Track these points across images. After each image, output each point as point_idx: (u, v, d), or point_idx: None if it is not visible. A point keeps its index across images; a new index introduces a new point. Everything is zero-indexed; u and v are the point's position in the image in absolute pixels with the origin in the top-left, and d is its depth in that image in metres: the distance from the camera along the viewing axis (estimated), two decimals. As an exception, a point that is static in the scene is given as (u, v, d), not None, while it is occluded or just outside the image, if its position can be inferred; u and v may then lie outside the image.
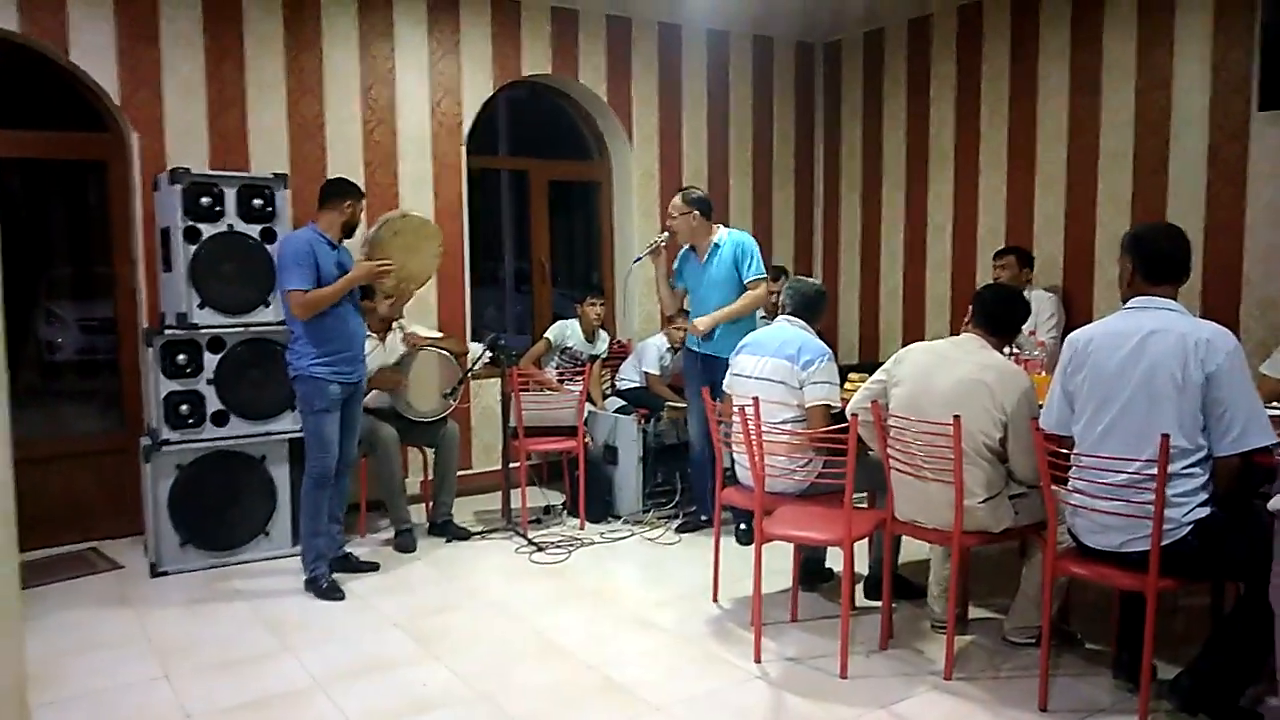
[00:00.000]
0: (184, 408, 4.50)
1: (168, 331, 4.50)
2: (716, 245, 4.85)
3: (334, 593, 4.21)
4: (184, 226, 4.45)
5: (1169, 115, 5.24)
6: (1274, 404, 3.61)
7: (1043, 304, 5.43)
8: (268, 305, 4.65)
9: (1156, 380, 2.81)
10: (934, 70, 6.43)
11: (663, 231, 4.97)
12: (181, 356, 4.50)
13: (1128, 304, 3.01)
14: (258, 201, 4.61)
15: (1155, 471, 2.74)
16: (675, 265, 5.03)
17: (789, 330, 4.02)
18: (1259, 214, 4.93)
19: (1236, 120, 4.97)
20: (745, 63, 6.90)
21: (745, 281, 4.82)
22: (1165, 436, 2.72)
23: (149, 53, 4.91)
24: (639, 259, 4.99)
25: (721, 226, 4.97)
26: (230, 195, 4.56)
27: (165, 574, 4.52)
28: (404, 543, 4.87)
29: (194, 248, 4.48)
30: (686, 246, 4.95)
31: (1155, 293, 2.95)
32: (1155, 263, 2.97)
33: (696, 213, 4.81)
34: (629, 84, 6.41)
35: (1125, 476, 2.83)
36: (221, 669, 3.51)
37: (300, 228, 4.33)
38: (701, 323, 4.78)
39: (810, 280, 4.23)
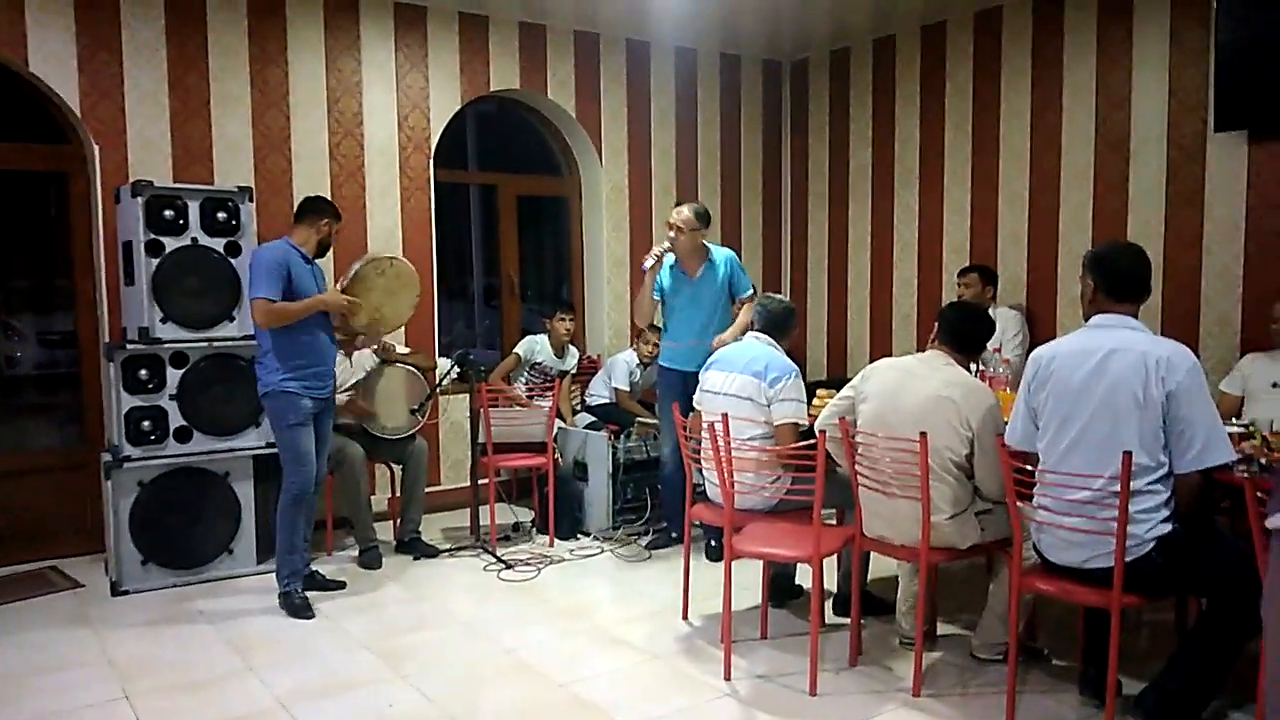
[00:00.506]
0: (146, 424, 4.43)
1: (129, 346, 4.43)
2: (711, 262, 4.84)
3: (306, 610, 4.15)
4: (146, 240, 4.39)
5: (1128, 135, 5.34)
6: (1233, 420, 3.69)
7: (1007, 321, 5.50)
8: (232, 320, 4.59)
9: (1118, 398, 2.85)
10: (899, 90, 6.51)
11: (664, 242, 4.80)
12: (144, 372, 4.44)
13: (1090, 322, 3.05)
14: (222, 215, 4.56)
15: (1118, 488, 2.78)
16: (658, 277, 4.89)
17: (757, 347, 4.03)
18: (1216, 232, 5.03)
19: (1194, 140, 5.08)
20: (713, 80, 6.94)
21: (741, 298, 4.85)
22: (1128, 454, 2.76)
23: (110, 63, 4.85)
24: (646, 268, 4.75)
25: (709, 244, 4.92)
26: (194, 208, 4.50)
27: (126, 593, 4.44)
28: (369, 560, 4.82)
29: (156, 261, 4.42)
30: (673, 260, 4.87)
31: (1117, 310, 3.00)
32: (1117, 281, 3.01)
33: (703, 229, 4.79)
34: (598, 99, 6.43)
35: (1089, 493, 2.87)
36: (183, 690, 3.45)
37: (273, 240, 4.29)
38: (726, 337, 4.64)
39: (779, 298, 4.24)
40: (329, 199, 4.47)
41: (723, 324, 4.82)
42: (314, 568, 4.54)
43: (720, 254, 4.89)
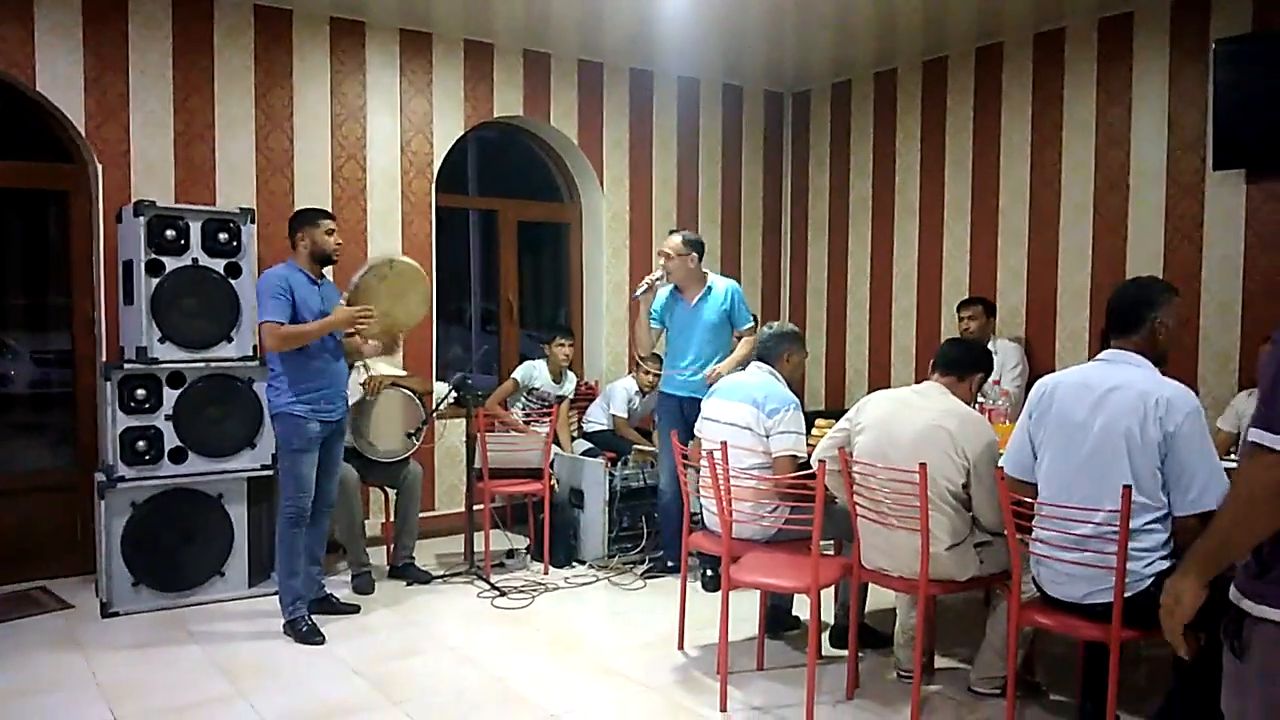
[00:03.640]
0: (141, 444, 4.41)
1: (126, 366, 4.42)
2: (709, 290, 4.85)
3: (314, 636, 4.10)
4: (147, 259, 4.40)
5: (1127, 172, 5.37)
6: (1230, 455, 3.69)
7: (1007, 353, 5.51)
8: (230, 341, 4.59)
9: (1114, 436, 2.83)
10: (900, 123, 6.55)
11: (655, 270, 4.85)
12: (140, 391, 4.42)
13: (1098, 356, 3.06)
14: (223, 236, 4.57)
15: (1116, 524, 2.76)
16: (656, 305, 4.93)
17: (757, 376, 4.03)
18: (1214, 269, 5.05)
19: (1192, 178, 5.11)
20: (715, 110, 6.99)
21: (740, 330, 4.85)
22: (1128, 488, 2.74)
23: (117, 84, 4.87)
24: (637, 295, 4.84)
25: (711, 273, 4.94)
26: (195, 229, 4.51)
27: (117, 614, 4.40)
28: (362, 585, 4.78)
29: (156, 281, 4.42)
30: (672, 288, 4.89)
31: (1117, 344, 3.00)
32: (1109, 315, 3.04)
33: (694, 255, 4.80)
34: (600, 127, 6.46)
35: (1089, 527, 2.85)
36: (171, 713, 3.41)
37: (276, 265, 4.28)
38: (723, 368, 4.64)
39: (774, 324, 4.26)
40: (303, 209, 4.42)
41: (721, 354, 4.82)
42: (328, 591, 4.50)
43: (721, 284, 4.90)
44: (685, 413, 4.75)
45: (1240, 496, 1.66)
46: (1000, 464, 3.16)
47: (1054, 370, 5.56)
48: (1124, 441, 2.81)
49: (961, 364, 3.58)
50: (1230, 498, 1.74)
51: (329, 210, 4.41)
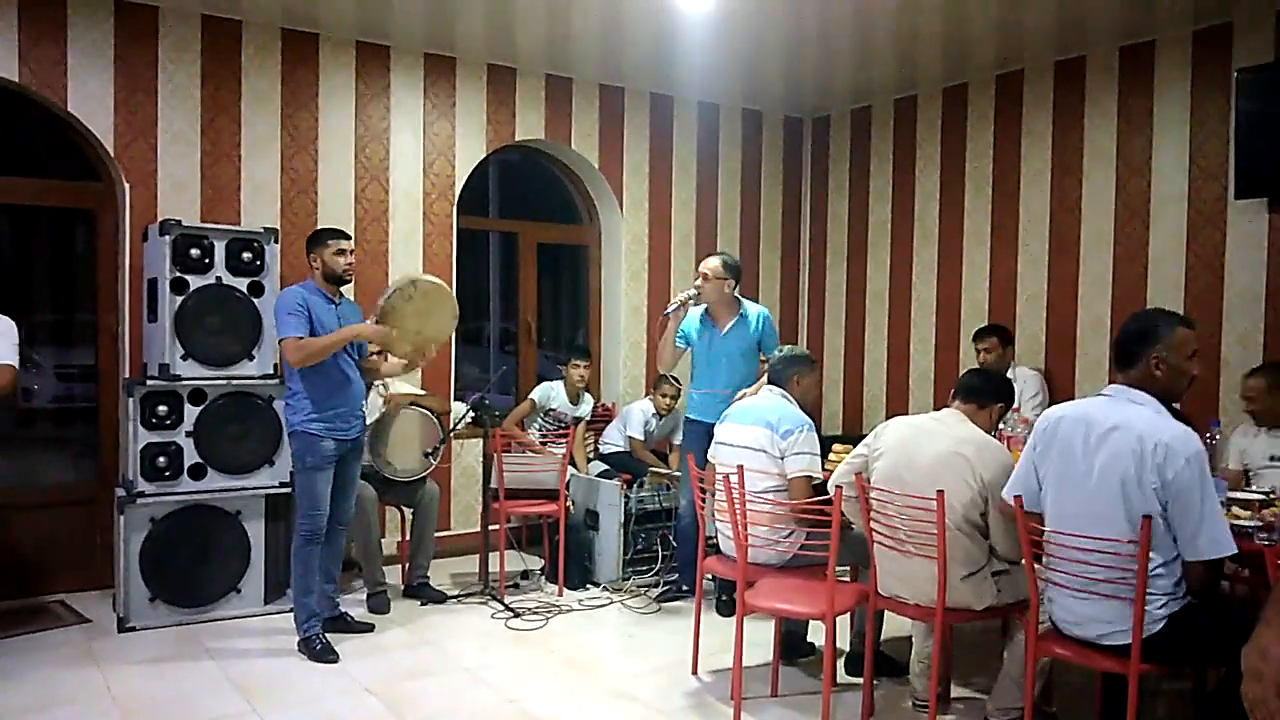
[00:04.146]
0: (161, 460, 4.44)
1: (149, 382, 4.47)
2: (743, 317, 4.83)
3: (328, 654, 4.11)
4: (171, 277, 4.45)
5: (1148, 200, 5.36)
6: (1252, 486, 3.66)
7: (1027, 381, 5.48)
8: (252, 359, 4.63)
9: (1112, 479, 2.77)
10: (919, 149, 6.56)
11: (690, 289, 4.80)
12: (162, 408, 4.46)
13: (1102, 390, 2.99)
14: (247, 255, 4.62)
15: (1122, 565, 2.71)
16: (686, 326, 4.87)
17: (770, 399, 4.03)
18: (1235, 298, 5.02)
19: (1214, 207, 5.09)
20: (735, 135, 7.02)
21: (769, 356, 4.79)
22: (1147, 518, 2.69)
23: (146, 105, 4.95)
24: (668, 313, 4.78)
25: (744, 300, 4.90)
26: (219, 247, 4.56)
27: (133, 629, 4.42)
28: (377, 604, 4.79)
29: (180, 299, 4.47)
30: (703, 310, 4.86)
31: (1119, 379, 2.91)
32: (1115, 349, 2.96)
33: (731, 280, 4.77)
34: (620, 151, 6.51)
35: (1100, 571, 2.79)
36: (186, 731, 3.42)
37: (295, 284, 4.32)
38: (750, 393, 4.60)
39: (783, 347, 4.27)
40: (322, 228, 4.46)
41: (749, 380, 4.78)
42: (343, 610, 4.51)
43: (754, 311, 4.88)
44: (707, 437, 4.72)
45: None
46: (1004, 493, 3.13)
47: (1074, 398, 5.55)
48: (1120, 487, 2.75)
49: (983, 393, 3.57)
50: None
51: (343, 230, 4.39)
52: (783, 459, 3.85)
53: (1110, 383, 2.96)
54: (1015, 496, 3.09)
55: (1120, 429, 2.78)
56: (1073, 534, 2.84)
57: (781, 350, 4.22)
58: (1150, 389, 2.85)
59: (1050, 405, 5.29)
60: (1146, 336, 2.86)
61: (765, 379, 4.67)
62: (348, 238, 4.32)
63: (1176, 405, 2.98)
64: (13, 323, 3.94)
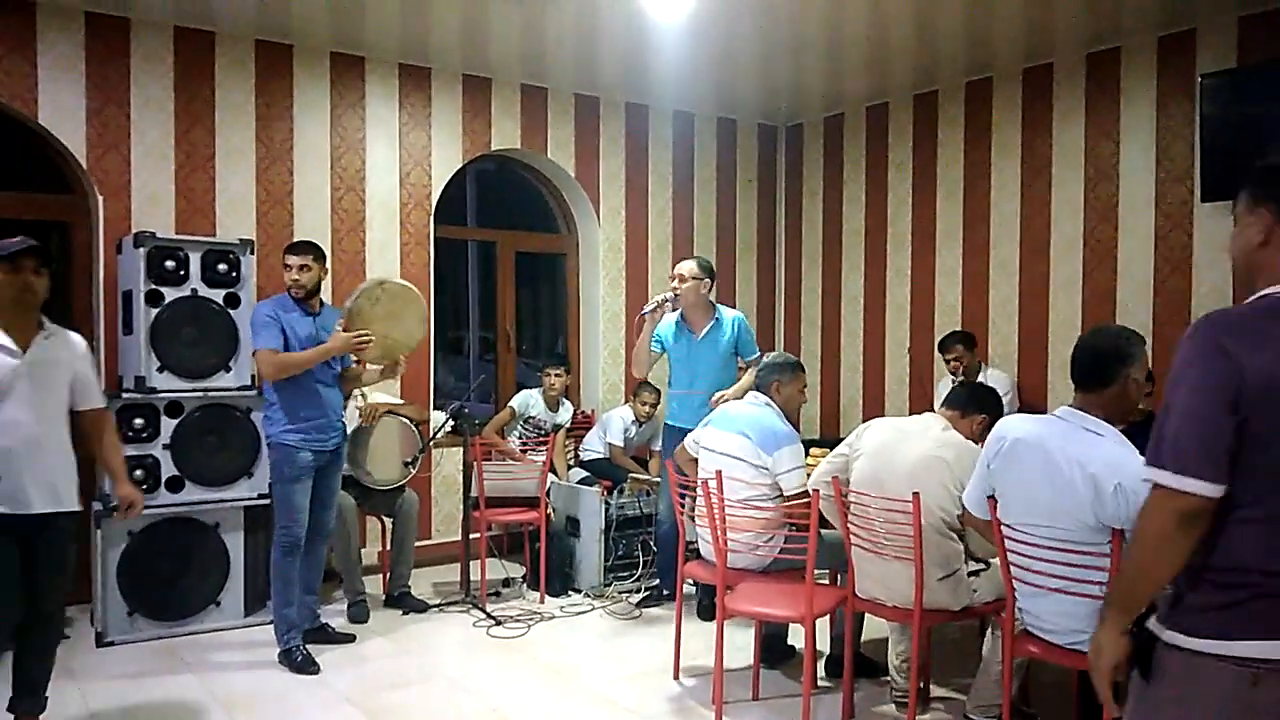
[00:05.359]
0: (138, 472, 4.41)
1: (125, 395, 4.45)
2: (718, 321, 4.85)
3: (309, 665, 4.10)
4: (146, 289, 4.43)
5: (1117, 204, 5.44)
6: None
7: (998, 383, 5.52)
8: (229, 370, 4.62)
9: (1066, 517, 2.76)
10: (891, 155, 6.63)
11: (669, 292, 4.83)
12: (138, 420, 4.44)
13: (1057, 411, 2.93)
14: (222, 266, 4.61)
15: (1089, 578, 2.72)
16: (660, 331, 4.91)
17: (754, 409, 4.06)
18: (1204, 300, 5.10)
19: (1181, 209, 5.18)
20: (710, 143, 7.07)
21: (747, 360, 4.85)
22: (1119, 531, 2.68)
23: (118, 116, 4.93)
24: (645, 313, 4.83)
25: (718, 304, 4.94)
26: (195, 259, 4.55)
27: (112, 644, 4.39)
28: (357, 614, 4.78)
29: (155, 311, 4.45)
30: (678, 314, 4.90)
31: (1086, 399, 2.85)
32: (1082, 369, 2.87)
33: (707, 281, 4.81)
34: (597, 160, 6.53)
35: (1066, 581, 2.78)
36: (166, 745, 3.40)
37: (273, 295, 4.31)
38: (728, 395, 4.64)
39: (767, 355, 4.31)
40: (293, 242, 4.47)
41: (727, 384, 4.80)
42: (324, 620, 4.50)
43: (729, 316, 4.92)
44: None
45: (1148, 534, 1.66)
46: (965, 502, 3.16)
47: (1045, 400, 5.62)
48: (1076, 524, 2.74)
49: (966, 403, 3.61)
50: (1136, 539, 1.71)
51: (305, 242, 4.25)
52: (764, 468, 3.85)
53: (1073, 402, 2.88)
54: (988, 499, 3.12)
55: (1080, 464, 2.72)
56: (1037, 543, 2.84)
57: (768, 356, 4.26)
58: (1112, 411, 2.81)
59: (1020, 407, 5.39)
60: (1125, 357, 2.81)
61: (746, 382, 4.71)
62: (301, 252, 4.21)
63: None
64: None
